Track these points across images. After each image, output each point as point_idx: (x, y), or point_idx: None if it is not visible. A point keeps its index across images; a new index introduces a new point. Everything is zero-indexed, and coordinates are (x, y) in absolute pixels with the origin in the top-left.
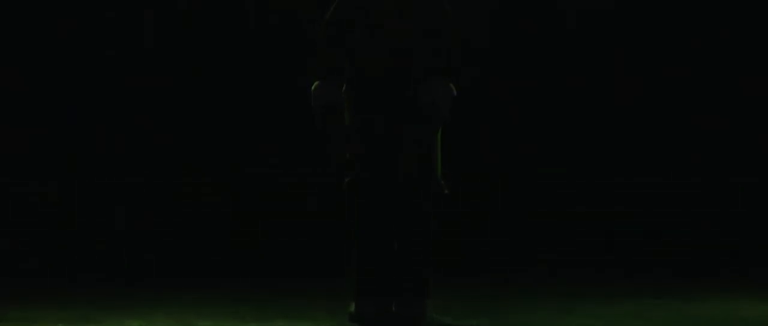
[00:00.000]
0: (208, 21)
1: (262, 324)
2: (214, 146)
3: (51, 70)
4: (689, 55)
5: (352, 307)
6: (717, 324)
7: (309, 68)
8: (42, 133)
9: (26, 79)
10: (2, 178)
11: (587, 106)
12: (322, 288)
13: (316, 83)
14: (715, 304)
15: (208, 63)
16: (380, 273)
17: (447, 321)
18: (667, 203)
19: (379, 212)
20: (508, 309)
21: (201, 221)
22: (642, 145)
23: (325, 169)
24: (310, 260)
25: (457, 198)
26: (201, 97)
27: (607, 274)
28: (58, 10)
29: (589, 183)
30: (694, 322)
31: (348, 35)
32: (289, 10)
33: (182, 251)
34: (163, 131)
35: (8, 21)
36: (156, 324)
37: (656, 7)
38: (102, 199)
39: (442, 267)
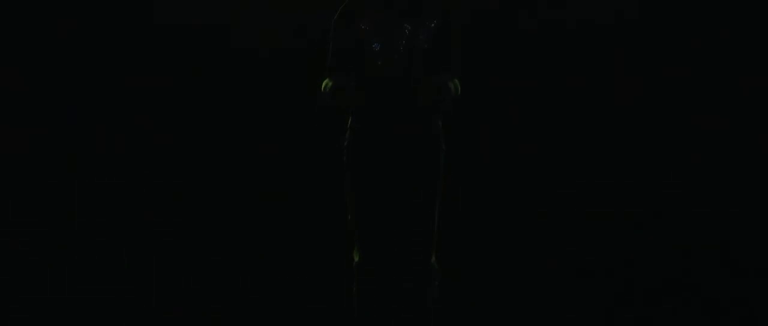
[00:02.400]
0: (208, 21)
1: None
2: (214, 146)
3: (51, 70)
4: (689, 55)
5: None
6: None
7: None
8: (42, 133)
9: (26, 79)
10: (2, 178)
11: (587, 105)
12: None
13: (325, 80)
14: None
15: (208, 63)
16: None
17: None
18: (667, 203)
19: (379, 218)
20: None
21: (201, 221)
22: (642, 144)
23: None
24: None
25: (457, 198)
26: (201, 97)
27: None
28: (58, 10)
29: (589, 183)
30: None
31: (348, 37)
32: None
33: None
34: (163, 131)
35: (8, 21)
36: None
37: (657, 7)
38: (102, 199)
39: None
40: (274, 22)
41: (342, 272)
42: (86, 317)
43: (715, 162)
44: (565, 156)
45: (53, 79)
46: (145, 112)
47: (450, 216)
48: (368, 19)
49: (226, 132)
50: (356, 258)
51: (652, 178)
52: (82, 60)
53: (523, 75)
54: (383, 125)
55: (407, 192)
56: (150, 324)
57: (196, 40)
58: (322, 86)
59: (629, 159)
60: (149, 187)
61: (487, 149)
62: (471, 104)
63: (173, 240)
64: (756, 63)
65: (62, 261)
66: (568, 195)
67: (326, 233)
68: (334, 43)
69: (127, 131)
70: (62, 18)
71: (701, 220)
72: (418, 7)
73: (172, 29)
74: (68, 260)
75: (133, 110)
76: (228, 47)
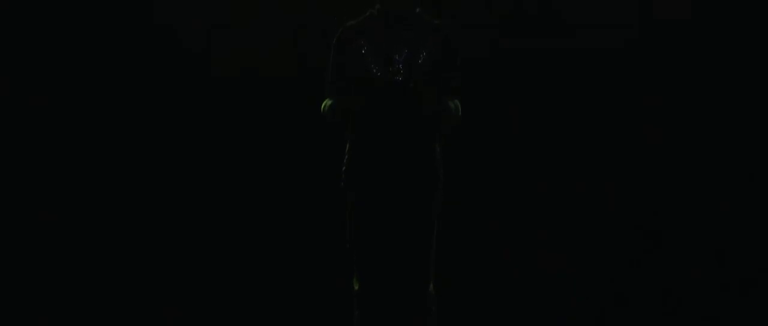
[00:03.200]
0: (210, 21)
1: None
2: (214, 145)
3: (51, 71)
4: (689, 57)
5: None
6: None
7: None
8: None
9: (24, 79)
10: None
11: (587, 106)
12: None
13: (325, 100)
14: None
15: (209, 62)
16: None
17: None
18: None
19: (379, 226)
20: None
21: (203, 221)
22: (642, 144)
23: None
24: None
25: (458, 198)
26: (202, 97)
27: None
28: (57, 10)
29: (588, 183)
30: None
31: (347, 56)
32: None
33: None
34: (159, 132)
35: (7, 21)
36: None
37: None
38: (100, 199)
39: (441, 268)
40: (275, 23)
41: (342, 298)
42: (85, 317)
43: (714, 162)
44: (565, 157)
45: (53, 80)
46: (143, 112)
47: (449, 222)
48: (367, 38)
49: (226, 140)
50: (356, 287)
51: (652, 178)
52: (81, 60)
53: (523, 75)
54: (383, 140)
55: (405, 217)
56: None
57: (196, 41)
58: (322, 106)
59: (629, 159)
60: (140, 189)
61: (487, 149)
62: (472, 103)
63: (173, 244)
64: (755, 62)
65: (61, 261)
66: (567, 195)
67: (326, 255)
68: (332, 61)
69: (124, 132)
70: (62, 19)
71: (701, 221)
72: (419, 27)
73: (172, 29)
74: (66, 260)
75: (133, 110)
76: (227, 48)
